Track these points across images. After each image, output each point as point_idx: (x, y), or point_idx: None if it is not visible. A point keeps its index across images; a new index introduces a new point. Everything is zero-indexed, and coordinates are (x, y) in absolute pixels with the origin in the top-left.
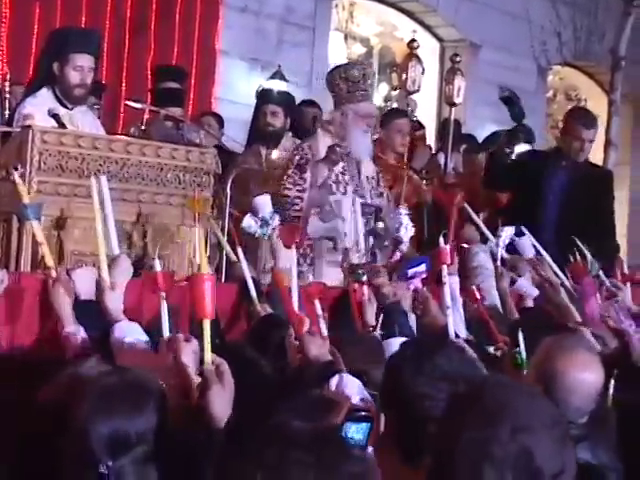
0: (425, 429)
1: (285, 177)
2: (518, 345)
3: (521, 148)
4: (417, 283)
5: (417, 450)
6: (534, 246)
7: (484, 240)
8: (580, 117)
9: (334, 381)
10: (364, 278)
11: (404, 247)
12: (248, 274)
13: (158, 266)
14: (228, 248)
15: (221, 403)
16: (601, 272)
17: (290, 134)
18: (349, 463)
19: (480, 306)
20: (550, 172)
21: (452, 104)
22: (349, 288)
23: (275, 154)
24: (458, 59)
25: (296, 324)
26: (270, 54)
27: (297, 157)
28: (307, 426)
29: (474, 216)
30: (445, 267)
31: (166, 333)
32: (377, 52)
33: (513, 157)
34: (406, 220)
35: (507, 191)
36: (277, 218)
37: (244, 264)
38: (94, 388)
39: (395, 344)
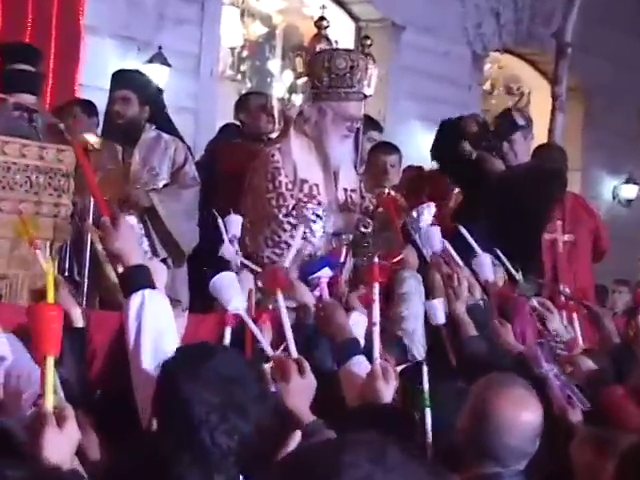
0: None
1: (268, 199)
2: (420, 382)
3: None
4: (323, 289)
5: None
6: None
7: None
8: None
9: None
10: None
11: None
12: None
13: None
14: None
15: (56, 451)
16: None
17: (152, 126)
18: None
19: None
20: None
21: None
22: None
23: (136, 157)
24: (369, 42)
25: None
26: (148, 32)
27: (268, 170)
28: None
29: None
30: (377, 285)
31: None
32: (281, 32)
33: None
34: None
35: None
36: (145, 243)
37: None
38: None
39: None
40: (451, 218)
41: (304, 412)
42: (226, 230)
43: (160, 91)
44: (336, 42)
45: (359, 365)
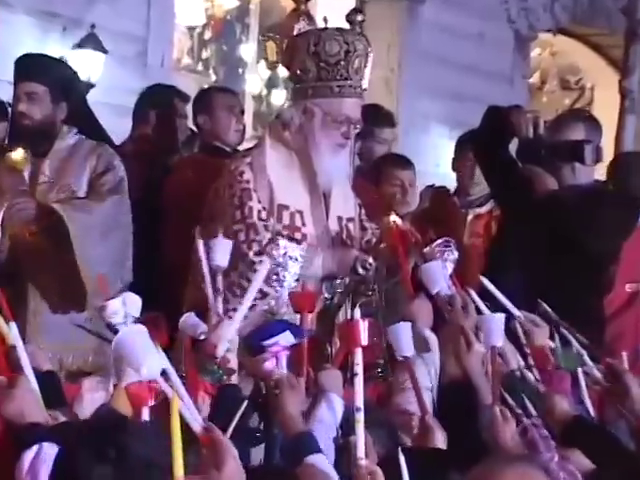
0: None
1: (235, 232)
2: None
3: None
4: (280, 360)
5: None
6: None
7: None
8: None
9: None
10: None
11: None
12: (26, 361)
13: None
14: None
15: None
16: (588, 363)
17: (73, 131)
18: None
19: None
20: None
21: None
22: None
23: (45, 172)
24: (360, 17)
25: None
26: (77, 7)
27: (235, 193)
28: None
29: None
30: (359, 350)
31: None
32: (256, 7)
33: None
34: None
35: None
36: (131, 320)
37: (19, 346)
38: None
39: None
40: (485, 252)
41: None
42: (208, 257)
43: (91, 85)
44: (325, 20)
45: (313, 467)
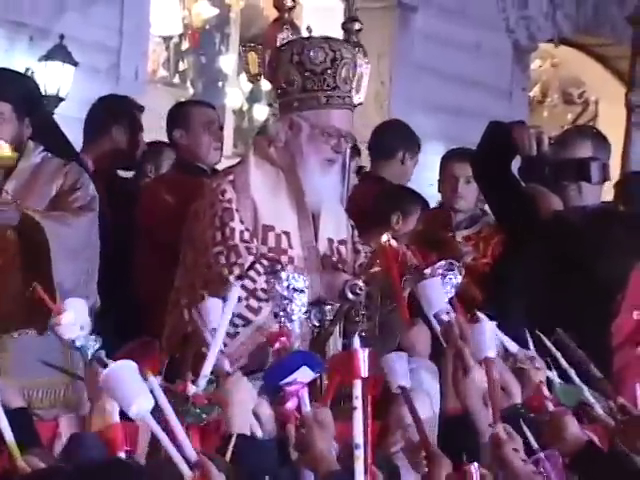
0: None
1: (216, 254)
2: None
3: None
4: (302, 398)
5: None
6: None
7: None
8: None
9: None
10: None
11: None
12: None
13: None
14: None
15: None
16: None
17: (39, 148)
18: None
19: None
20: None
21: None
22: None
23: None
24: (357, 27)
25: None
26: (45, 16)
27: (216, 213)
28: None
29: None
30: (359, 382)
31: None
32: (237, 16)
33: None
34: None
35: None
36: (88, 330)
37: None
38: None
39: None
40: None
41: None
42: (203, 321)
43: (60, 99)
44: (309, 29)
45: None
